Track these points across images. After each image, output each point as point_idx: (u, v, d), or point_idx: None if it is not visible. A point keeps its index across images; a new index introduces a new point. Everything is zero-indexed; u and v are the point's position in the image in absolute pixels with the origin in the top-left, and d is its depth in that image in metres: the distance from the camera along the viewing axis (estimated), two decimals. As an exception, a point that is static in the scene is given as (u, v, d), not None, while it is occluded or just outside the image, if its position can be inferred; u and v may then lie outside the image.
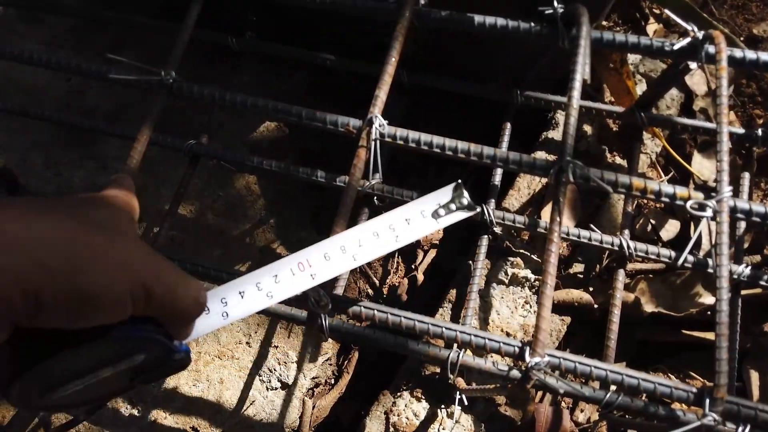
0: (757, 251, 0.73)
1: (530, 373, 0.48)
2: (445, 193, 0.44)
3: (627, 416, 0.65)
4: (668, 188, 0.52)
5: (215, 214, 0.87)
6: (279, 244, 0.86)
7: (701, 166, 0.78)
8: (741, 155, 0.75)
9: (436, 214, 0.44)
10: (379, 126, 0.56)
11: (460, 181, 0.45)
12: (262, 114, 0.61)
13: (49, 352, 0.30)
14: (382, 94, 0.58)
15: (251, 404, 0.78)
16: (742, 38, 0.84)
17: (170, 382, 0.79)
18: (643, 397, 0.56)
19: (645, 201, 0.76)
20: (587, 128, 0.78)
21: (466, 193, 0.44)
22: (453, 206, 0.44)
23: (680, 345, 0.70)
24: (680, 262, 0.59)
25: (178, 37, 0.63)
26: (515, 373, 0.52)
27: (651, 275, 0.72)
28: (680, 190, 0.52)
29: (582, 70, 0.57)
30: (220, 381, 0.79)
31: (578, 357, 0.49)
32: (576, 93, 0.56)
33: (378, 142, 0.56)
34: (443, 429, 0.64)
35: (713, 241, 0.73)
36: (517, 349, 0.50)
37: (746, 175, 0.70)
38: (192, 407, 0.78)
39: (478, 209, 0.43)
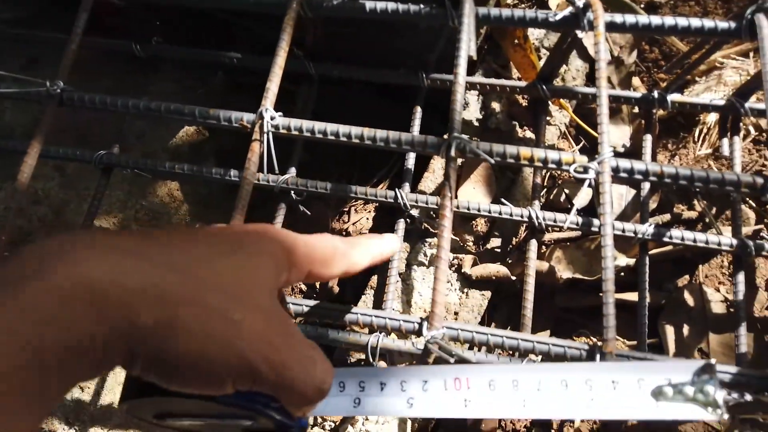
0: (666, 210, 0.75)
1: (429, 347, 0.48)
2: (683, 369, 0.31)
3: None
4: (554, 155, 0.53)
5: (140, 224, 0.86)
6: (207, 248, 0.85)
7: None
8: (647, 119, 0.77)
9: (659, 393, 0.31)
10: (271, 118, 0.56)
11: (714, 361, 0.32)
12: (159, 117, 0.60)
13: (154, 392, 0.29)
14: (273, 86, 0.58)
15: (190, 410, 0.77)
16: (642, 5, 0.86)
17: (106, 398, 0.78)
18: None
19: (558, 172, 0.78)
20: (496, 105, 0.79)
21: (716, 384, 0.31)
22: (689, 392, 0.31)
23: (600, 308, 0.71)
24: (566, 224, 0.61)
25: (66, 46, 0.62)
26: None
27: (568, 243, 0.74)
28: (565, 156, 0.53)
29: (467, 47, 0.58)
30: (157, 391, 0.78)
31: (475, 327, 0.50)
32: (461, 70, 0.57)
33: (270, 134, 0.56)
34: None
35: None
36: (416, 326, 0.50)
37: (648, 137, 0.71)
38: (131, 421, 0.77)
39: (726, 416, 0.30)
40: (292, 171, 0.73)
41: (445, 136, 0.55)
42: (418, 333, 0.50)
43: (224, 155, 0.91)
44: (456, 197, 0.76)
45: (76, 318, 0.24)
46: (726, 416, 0.31)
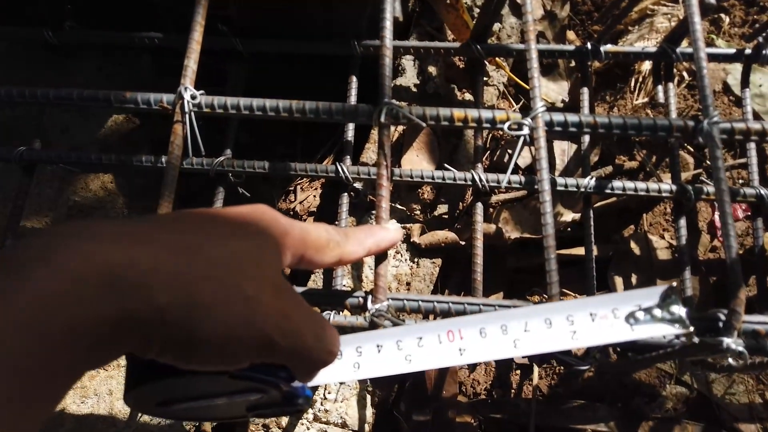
0: (608, 162, 0.76)
1: (374, 320, 0.47)
2: (650, 295, 0.35)
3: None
4: (487, 114, 0.52)
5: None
6: (148, 241, 0.82)
7: (547, 89, 0.79)
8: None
9: (632, 318, 0.34)
10: (192, 98, 0.53)
11: (675, 284, 0.36)
12: (74, 105, 0.56)
13: (163, 375, 0.29)
14: (191, 63, 0.55)
15: (146, 409, 0.75)
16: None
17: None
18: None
19: (500, 133, 0.77)
20: (433, 70, 0.77)
21: (679, 303, 0.34)
22: (657, 313, 0.34)
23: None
24: (503, 183, 0.60)
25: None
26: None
27: (514, 203, 0.73)
28: (499, 114, 0.52)
29: (391, 9, 0.56)
30: (109, 392, 0.76)
31: (420, 296, 0.49)
32: (387, 33, 0.55)
33: (192, 114, 0.53)
34: (329, 393, 0.63)
35: (561, 160, 0.74)
36: (361, 300, 0.49)
37: (585, 90, 0.71)
38: (83, 425, 0.74)
39: (691, 329, 0.34)
40: (228, 152, 0.70)
41: (377, 103, 0.53)
42: (363, 307, 0.48)
43: (159, 142, 0.87)
44: (399, 166, 0.74)
45: (89, 299, 0.23)
46: (692, 328, 0.35)
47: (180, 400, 0.33)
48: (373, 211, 0.72)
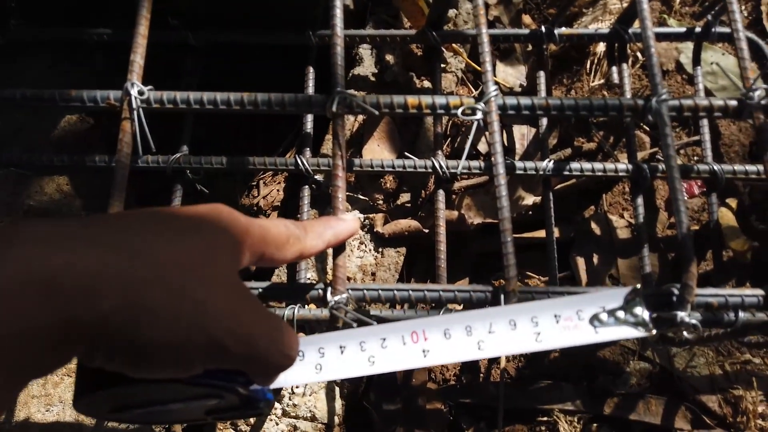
0: (567, 145, 0.76)
1: (334, 312, 0.47)
2: (614, 297, 0.35)
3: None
4: (441, 100, 0.52)
5: (30, 226, 0.79)
6: (108, 242, 0.80)
7: (506, 74, 0.79)
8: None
9: (596, 320, 0.35)
10: (139, 93, 0.52)
11: (639, 286, 0.36)
12: (11, 105, 0.55)
13: (114, 382, 0.28)
14: (138, 58, 0.54)
15: (113, 414, 0.73)
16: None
17: (20, 413, 0.73)
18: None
19: (460, 119, 0.77)
20: (390, 58, 0.76)
21: (643, 306, 0.35)
22: (621, 315, 0.35)
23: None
24: (460, 169, 0.60)
25: None
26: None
27: (476, 189, 0.74)
28: (452, 100, 0.52)
29: (342, -4, 0.55)
30: (75, 398, 0.74)
31: (380, 285, 0.49)
32: (338, 21, 0.54)
33: (141, 111, 0.52)
34: (297, 387, 0.63)
35: (520, 145, 0.75)
36: (321, 292, 0.49)
37: (541, 74, 0.71)
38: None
39: (654, 332, 0.35)
40: (184, 149, 0.69)
41: (330, 93, 0.52)
42: (324, 300, 0.48)
43: (114, 141, 0.85)
44: (361, 156, 0.74)
45: (25, 307, 0.22)
46: (654, 331, 0.35)
47: (133, 406, 0.32)
48: (336, 203, 0.72)
